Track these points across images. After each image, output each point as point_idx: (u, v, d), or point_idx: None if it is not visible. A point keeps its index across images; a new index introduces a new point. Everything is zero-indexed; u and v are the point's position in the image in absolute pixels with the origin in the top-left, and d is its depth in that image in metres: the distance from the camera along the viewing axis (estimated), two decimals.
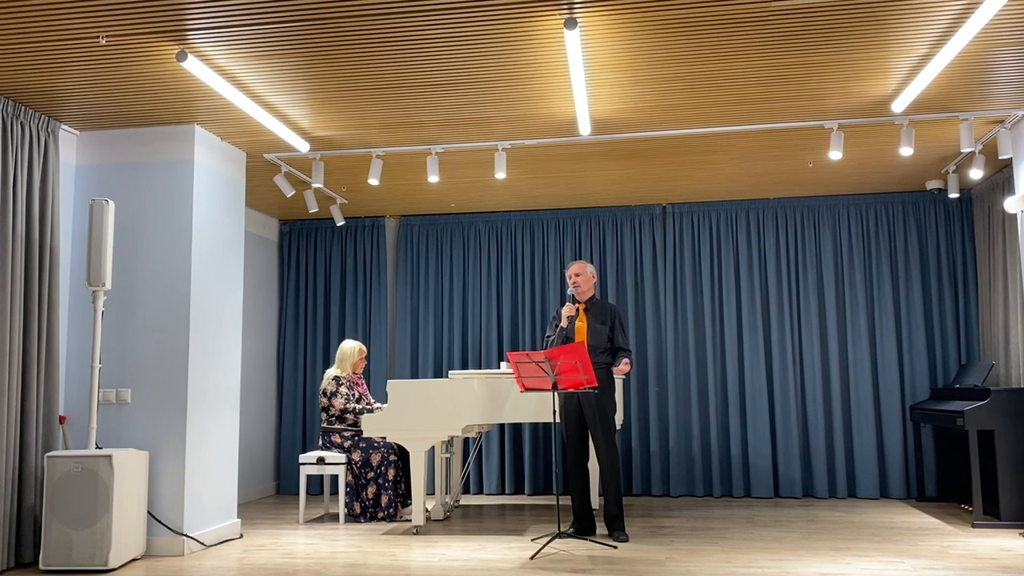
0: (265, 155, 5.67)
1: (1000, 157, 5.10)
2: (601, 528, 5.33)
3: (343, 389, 6.02)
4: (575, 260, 5.64)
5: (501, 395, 5.29)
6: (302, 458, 5.87)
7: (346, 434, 5.98)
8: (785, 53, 4.08)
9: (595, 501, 5.73)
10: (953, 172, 6.09)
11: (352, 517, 5.90)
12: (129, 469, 4.51)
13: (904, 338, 6.82)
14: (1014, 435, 5.30)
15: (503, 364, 6.11)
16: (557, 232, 7.39)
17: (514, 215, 7.46)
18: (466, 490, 7.28)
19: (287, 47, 3.93)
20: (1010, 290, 5.95)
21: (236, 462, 5.41)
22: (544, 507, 6.44)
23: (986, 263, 6.45)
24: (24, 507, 4.42)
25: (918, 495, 6.42)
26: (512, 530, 5.41)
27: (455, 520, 5.86)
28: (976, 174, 5.47)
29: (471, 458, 7.21)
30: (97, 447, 4.62)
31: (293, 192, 5.85)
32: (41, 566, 4.32)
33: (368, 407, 6.11)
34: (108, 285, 4.64)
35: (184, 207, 5.02)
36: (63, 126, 4.99)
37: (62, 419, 4.86)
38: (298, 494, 6.82)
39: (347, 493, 5.92)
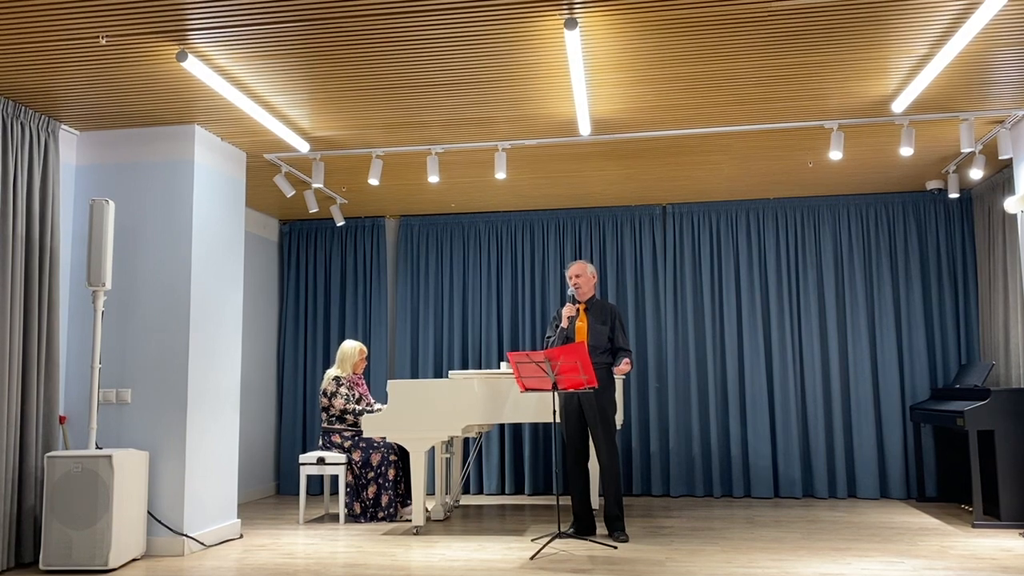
0: (265, 155, 5.67)
1: (1000, 157, 5.10)
2: (601, 528, 5.33)
3: (343, 389, 6.02)
4: (575, 260, 5.63)
5: (501, 395, 5.29)
6: (302, 458, 5.87)
7: (346, 434, 5.98)
8: (785, 53, 4.08)
9: (595, 501, 5.73)
10: (953, 172, 6.09)
11: (352, 517, 5.90)
12: (129, 469, 4.51)
13: (904, 338, 6.82)
14: (1014, 435, 5.30)
15: (503, 364, 6.11)
16: (557, 232, 7.39)
17: (514, 215, 7.46)
18: (466, 490, 7.28)
19: (287, 47, 3.93)
20: (1010, 290, 5.95)
21: (236, 462, 5.41)
22: (544, 507, 6.44)
23: (986, 263, 6.45)
24: (24, 507, 4.42)
25: (918, 495, 6.42)
26: (512, 530, 5.41)
27: (455, 520, 5.86)
28: (976, 174, 5.47)
29: (471, 458, 7.21)
30: (97, 447, 4.62)
31: (293, 192, 5.85)
32: (41, 566, 4.32)
33: (368, 407, 6.11)
34: (108, 285, 4.64)
35: (184, 207, 5.02)
36: (63, 126, 4.99)
37: (62, 419, 4.86)
38: (298, 494, 6.82)
39: (347, 493, 5.92)
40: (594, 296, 5.24)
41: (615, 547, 4.77)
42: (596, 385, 4.73)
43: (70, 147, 5.10)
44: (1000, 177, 6.12)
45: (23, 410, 4.48)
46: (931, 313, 6.82)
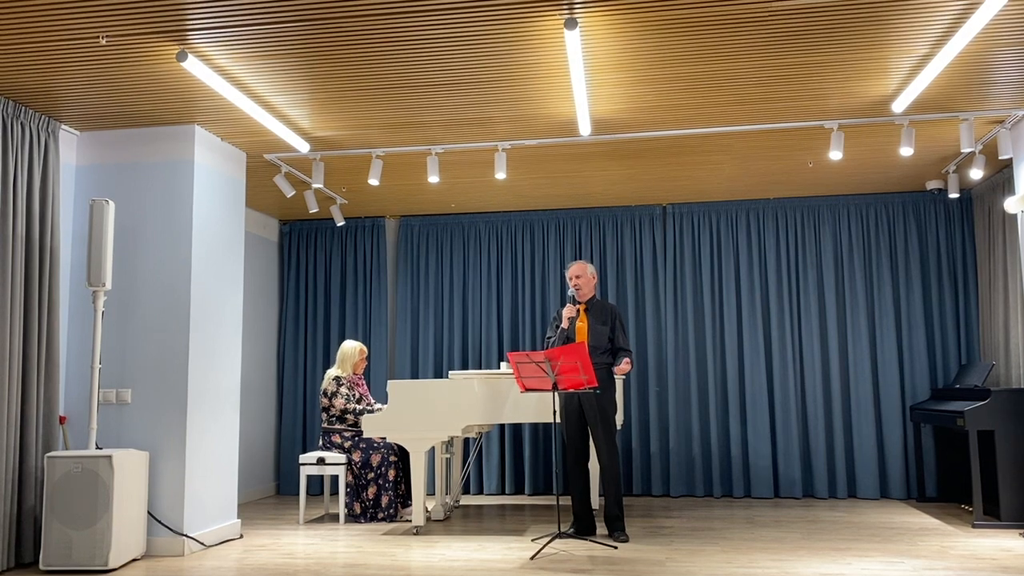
0: (265, 155, 5.67)
1: (1000, 157, 5.10)
2: (601, 528, 5.33)
3: (343, 389, 6.01)
4: (575, 260, 5.63)
5: (501, 395, 5.29)
6: (302, 458, 5.87)
7: (346, 434, 5.98)
8: (786, 53, 4.08)
9: (595, 501, 5.73)
10: (953, 172, 6.09)
11: (352, 517, 5.90)
12: (129, 469, 4.51)
13: (904, 338, 6.82)
14: (1014, 435, 5.30)
15: (503, 364, 6.11)
16: (557, 232, 7.39)
17: (514, 215, 7.46)
18: (466, 490, 7.28)
19: (288, 47, 3.93)
20: (1010, 290, 5.95)
21: (236, 462, 5.41)
22: (544, 507, 6.44)
23: (986, 263, 6.45)
24: (24, 507, 4.42)
25: (918, 495, 6.42)
26: (512, 530, 5.41)
27: (455, 520, 5.86)
28: (976, 174, 5.47)
29: (471, 458, 7.21)
30: (97, 447, 4.62)
31: (293, 192, 5.85)
32: (41, 566, 4.31)
33: (368, 407, 6.11)
34: (108, 285, 4.64)
35: (184, 207, 5.02)
36: (63, 126, 4.99)
37: (62, 419, 4.86)
38: (298, 494, 6.82)
39: (347, 493, 5.92)
40: (594, 296, 5.24)
41: (615, 547, 4.77)
42: (596, 385, 4.73)
43: (70, 147, 5.10)
44: (1000, 177, 6.12)
45: (23, 410, 4.48)
46: (931, 313, 6.82)
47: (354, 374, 6.20)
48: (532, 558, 4.52)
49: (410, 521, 5.81)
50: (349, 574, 4.21)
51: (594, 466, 5.74)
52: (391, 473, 5.91)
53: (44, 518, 4.34)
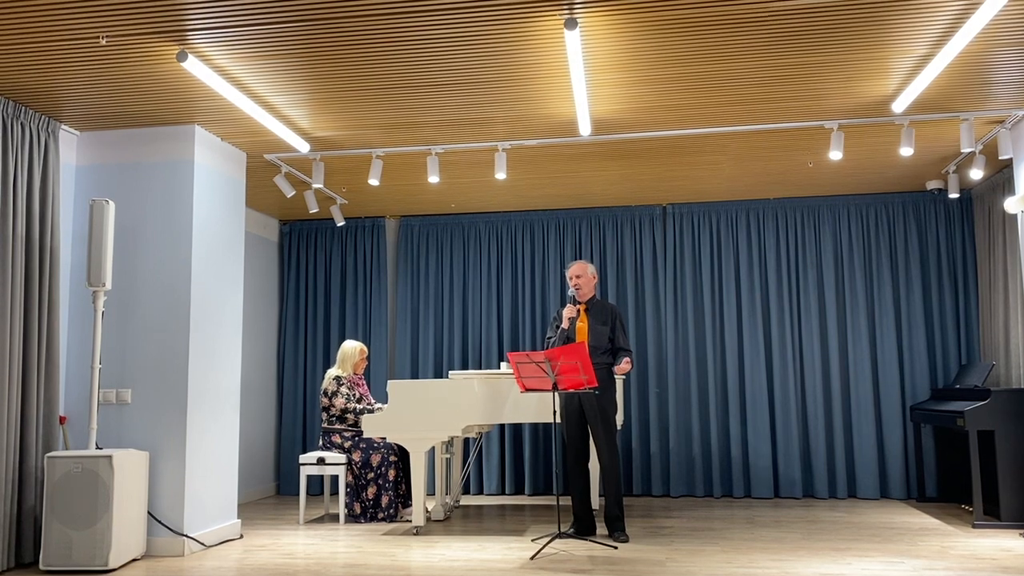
0: (265, 155, 5.67)
1: (1000, 157, 5.10)
2: (601, 528, 5.33)
3: (344, 389, 6.02)
4: (575, 260, 5.63)
5: (501, 395, 5.29)
6: (302, 458, 5.87)
7: (346, 434, 5.98)
8: (786, 53, 4.08)
9: (595, 501, 5.73)
10: (953, 172, 6.09)
11: (352, 517, 5.90)
12: (129, 469, 4.51)
13: (904, 338, 6.82)
14: (1014, 435, 5.30)
15: (503, 364, 6.11)
16: (557, 232, 7.39)
17: (514, 215, 7.46)
18: (466, 490, 7.28)
19: (288, 47, 3.93)
20: (1010, 290, 5.95)
21: (236, 462, 5.41)
22: (544, 507, 6.44)
23: (986, 263, 6.45)
24: (24, 507, 4.42)
25: (918, 495, 6.42)
26: (512, 530, 5.41)
27: (455, 520, 5.86)
28: (976, 174, 5.47)
29: (471, 458, 7.21)
30: (97, 447, 4.62)
31: (293, 192, 5.85)
32: (41, 566, 4.31)
33: (368, 407, 6.11)
34: (108, 285, 4.64)
35: (184, 207, 5.02)
36: (63, 126, 4.99)
37: (62, 419, 4.86)
38: (298, 494, 6.83)
39: (347, 493, 5.92)
40: (594, 296, 5.24)
41: (615, 547, 4.77)
42: (596, 385, 4.73)
43: (70, 147, 5.10)
44: (1000, 177, 6.11)
45: (23, 410, 4.47)
46: (931, 313, 6.82)
47: (354, 374, 6.20)
48: (532, 558, 4.52)
49: (410, 521, 5.80)
50: (349, 574, 4.21)
51: (594, 466, 5.74)
52: (391, 473, 5.91)
53: (44, 518, 4.34)
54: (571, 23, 3.60)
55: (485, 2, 3.50)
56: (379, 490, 5.89)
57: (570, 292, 5.18)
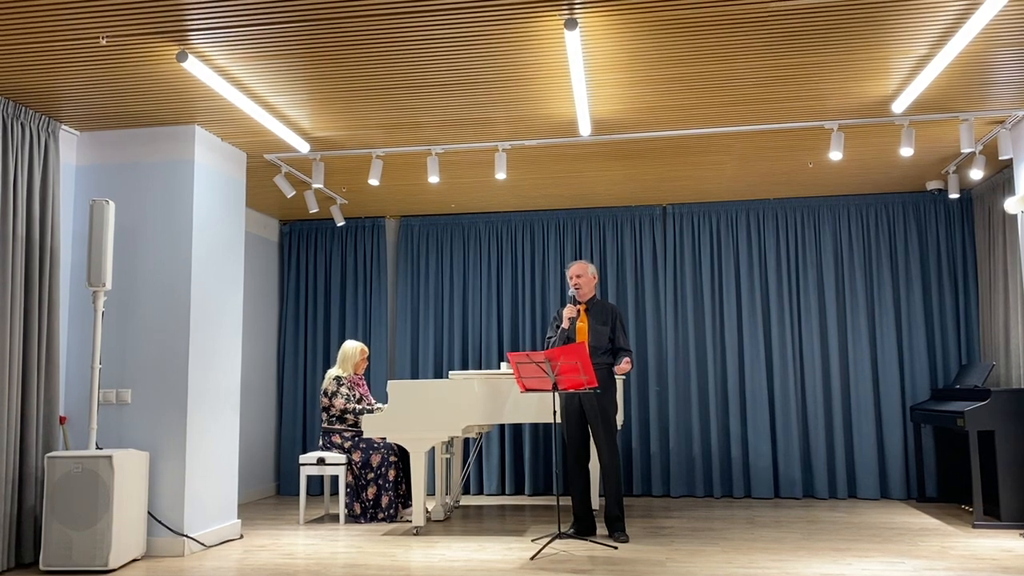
0: (265, 155, 5.67)
1: (1000, 158, 5.10)
2: (601, 528, 5.33)
3: (344, 389, 6.01)
4: (576, 260, 5.63)
5: (501, 395, 5.29)
6: (302, 459, 5.87)
7: (346, 434, 5.98)
8: (786, 53, 4.08)
9: (595, 502, 5.73)
10: (953, 172, 6.09)
11: (352, 518, 5.89)
12: (129, 469, 4.51)
13: (904, 338, 6.82)
14: (1014, 436, 5.30)
15: (503, 364, 6.11)
16: (557, 232, 7.39)
17: (514, 215, 7.46)
18: (466, 491, 7.28)
19: (288, 47, 3.93)
20: (1010, 290, 5.95)
21: (236, 462, 5.41)
22: (544, 507, 6.44)
23: (986, 263, 6.46)
24: (24, 507, 4.42)
25: (918, 496, 6.42)
26: (512, 531, 5.41)
27: (455, 521, 5.86)
28: (976, 174, 5.47)
29: (471, 459, 7.21)
30: (97, 447, 4.62)
31: (293, 192, 5.85)
32: (41, 566, 4.31)
33: (368, 407, 6.11)
34: (108, 285, 4.64)
35: (184, 207, 5.02)
36: (63, 126, 4.99)
37: (62, 419, 4.86)
38: (298, 495, 6.83)
39: (347, 494, 5.92)
40: (595, 296, 5.24)
41: (615, 547, 4.77)
42: (596, 385, 4.73)
43: (70, 147, 5.09)
44: (1000, 177, 6.12)
45: (23, 410, 4.47)
46: (931, 313, 6.82)
47: (355, 374, 6.20)
48: (532, 558, 4.52)
49: (410, 521, 5.80)
50: (349, 574, 4.21)
51: (594, 466, 5.74)
52: (391, 473, 5.91)
53: (44, 518, 4.34)
54: (571, 23, 3.60)
55: (486, 2, 3.50)
56: (379, 490, 5.89)
57: (570, 292, 5.18)
